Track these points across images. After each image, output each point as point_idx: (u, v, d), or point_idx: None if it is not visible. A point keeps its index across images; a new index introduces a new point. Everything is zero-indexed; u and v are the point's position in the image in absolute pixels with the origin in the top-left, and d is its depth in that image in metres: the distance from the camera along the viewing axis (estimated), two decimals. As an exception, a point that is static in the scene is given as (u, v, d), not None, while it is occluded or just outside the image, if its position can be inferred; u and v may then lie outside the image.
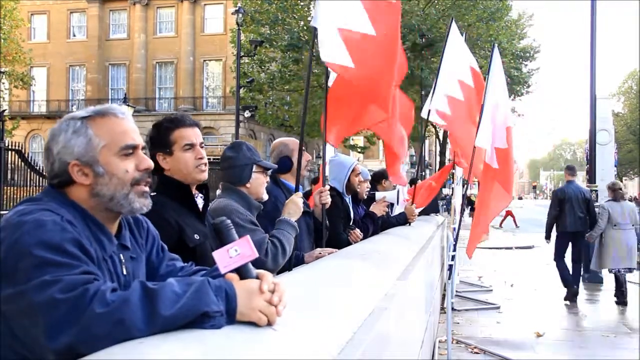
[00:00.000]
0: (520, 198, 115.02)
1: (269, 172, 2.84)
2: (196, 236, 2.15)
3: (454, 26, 5.81)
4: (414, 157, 28.52)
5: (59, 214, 1.27)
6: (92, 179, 1.39)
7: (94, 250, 1.31)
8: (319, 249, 3.22)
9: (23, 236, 1.18)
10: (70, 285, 1.10)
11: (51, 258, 1.15)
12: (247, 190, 2.75)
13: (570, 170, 9.32)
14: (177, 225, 2.13)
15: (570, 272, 8.38)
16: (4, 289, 1.15)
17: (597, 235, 8.07)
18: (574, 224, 8.32)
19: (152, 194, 2.13)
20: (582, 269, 8.52)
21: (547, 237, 9.07)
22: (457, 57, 5.65)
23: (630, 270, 7.93)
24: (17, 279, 1.14)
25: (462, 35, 6.43)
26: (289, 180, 3.35)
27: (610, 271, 8.09)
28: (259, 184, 2.74)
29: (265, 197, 2.78)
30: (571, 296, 8.21)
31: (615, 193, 8.28)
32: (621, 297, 7.97)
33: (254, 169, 2.73)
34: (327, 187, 3.60)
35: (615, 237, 7.90)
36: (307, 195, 3.73)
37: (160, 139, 2.22)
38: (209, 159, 2.33)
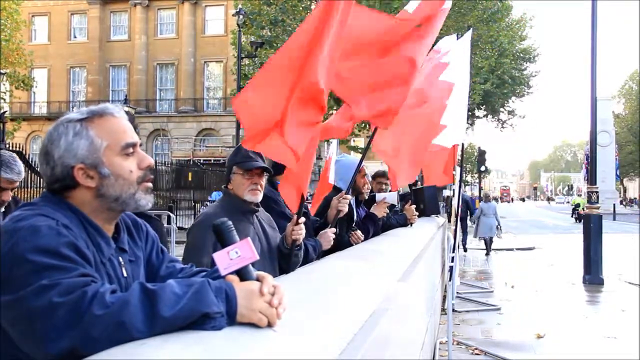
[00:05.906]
0: (522, 199, 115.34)
1: (262, 173, 2.75)
2: None
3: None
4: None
5: (54, 218, 1.26)
6: (97, 181, 1.38)
7: (92, 254, 1.30)
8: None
9: (18, 242, 1.17)
10: (68, 288, 1.09)
11: (48, 262, 1.14)
12: (233, 191, 2.77)
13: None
14: None
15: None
16: (2, 296, 1.14)
17: (475, 219, 15.73)
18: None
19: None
20: (467, 235, 16.18)
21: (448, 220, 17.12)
22: None
23: (491, 237, 15.21)
24: (14, 286, 1.13)
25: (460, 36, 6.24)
26: None
27: (481, 238, 15.60)
28: (237, 185, 2.74)
29: (250, 198, 2.71)
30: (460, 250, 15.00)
31: (486, 199, 16.31)
32: (489, 251, 15.16)
33: (233, 170, 2.75)
34: (349, 196, 3.60)
35: (484, 220, 15.27)
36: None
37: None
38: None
